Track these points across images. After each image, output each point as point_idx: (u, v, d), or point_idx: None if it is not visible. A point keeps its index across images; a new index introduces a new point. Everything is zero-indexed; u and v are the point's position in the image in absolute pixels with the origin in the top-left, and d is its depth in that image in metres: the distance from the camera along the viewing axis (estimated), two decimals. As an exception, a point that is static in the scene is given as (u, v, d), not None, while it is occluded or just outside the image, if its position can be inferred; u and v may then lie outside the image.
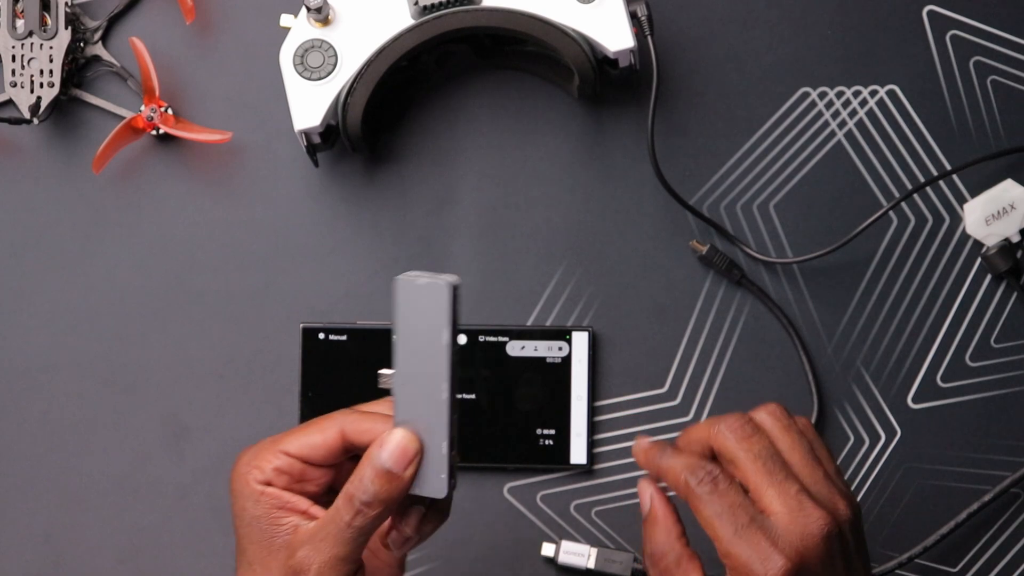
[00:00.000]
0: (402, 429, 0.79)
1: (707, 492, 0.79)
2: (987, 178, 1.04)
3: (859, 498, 1.02)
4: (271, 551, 0.80)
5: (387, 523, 0.82)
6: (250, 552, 0.81)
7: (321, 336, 1.03)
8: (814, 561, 0.77)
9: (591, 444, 1.03)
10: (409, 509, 0.81)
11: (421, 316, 0.77)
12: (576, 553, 0.99)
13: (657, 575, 0.81)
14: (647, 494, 0.82)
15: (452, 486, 0.80)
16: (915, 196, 1.04)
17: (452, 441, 0.79)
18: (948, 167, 1.04)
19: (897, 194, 1.04)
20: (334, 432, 0.81)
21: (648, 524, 0.81)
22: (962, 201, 1.04)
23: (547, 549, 1.00)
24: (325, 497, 0.83)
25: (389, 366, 1.02)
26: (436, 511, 0.82)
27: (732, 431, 0.81)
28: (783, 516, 0.78)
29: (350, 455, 0.82)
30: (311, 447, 0.81)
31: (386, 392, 0.80)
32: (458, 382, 0.78)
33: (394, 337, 0.78)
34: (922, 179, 1.04)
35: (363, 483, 0.78)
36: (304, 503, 0.81)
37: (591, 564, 0.99)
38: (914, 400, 1.03)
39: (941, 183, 1.04)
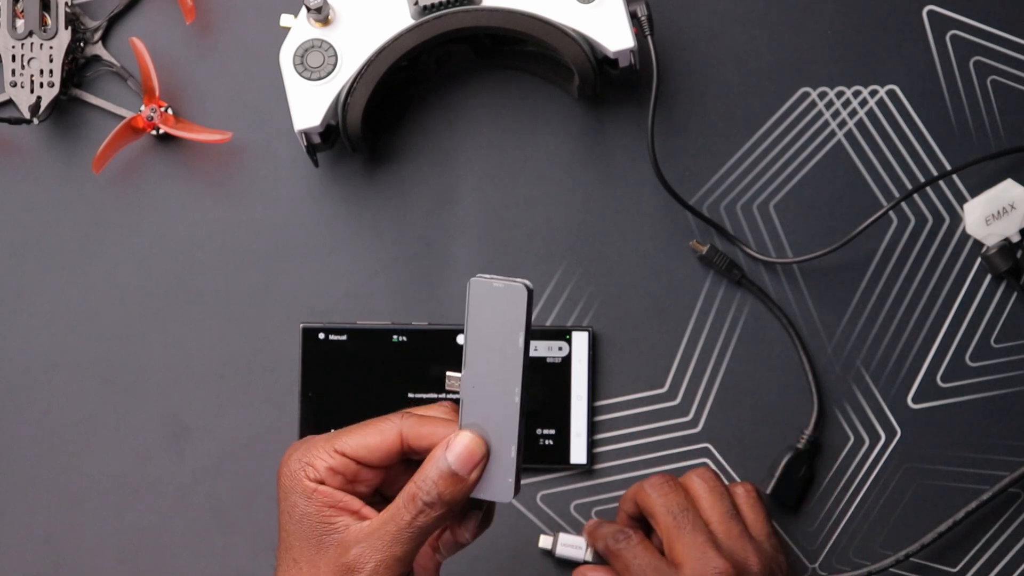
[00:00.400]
0: (470, 432, 0.79)
1: (622, 549, 0.91)
2: (987, 178, 1.04)
3: (859, 498, 1.02)
4: (320, 549, 0.80)
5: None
6: (296, 549, 0.81)
7: (321, 336, 1.03)
8: None
9: (591, 444, 1.03)
10: (469, 513, 0.81)
11: (495, 319, 0.77)
12: (573, 546, 1.00)
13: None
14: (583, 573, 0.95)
15: (517, 490, 0.80)
16: (915, 196, 1.04)
17: (520, 445, 0.78)
18: (948, 167, 1.04)
19: (897, 194, 1.04)
20: (393, 435, 0.81)
21: None
22: (962, 201, 1.04)
23: (544, 542, 1.00)
24: (373, 499, 0.83)
25: (383, 367, 1.02)
26: (484, 517, 0.83)
27: (653, 488, 0.91)
28: (687, 566, 0.88)
29: (405, 458, 0.82)
30: (368, 448, 0.81)
31: (406, 399, 0.80)
32: (528, 388, 0.78)
33: (465, 339, 0.78)
34: (922, 179, 1.04)
35: (427, 484, 0.79)
36: (356, 503, 0.81)
37: (588, 557, 0.99)
38: (914, 400, 1.03)
39: (941, 183, 1.04)
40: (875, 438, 1.03)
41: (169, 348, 1.04)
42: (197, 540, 1.03)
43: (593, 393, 1.03)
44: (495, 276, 0.77)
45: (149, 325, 1.04)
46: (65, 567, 1.03)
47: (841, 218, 1.03)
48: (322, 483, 0.81)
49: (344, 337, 1.03)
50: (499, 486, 0.79)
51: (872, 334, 1.03)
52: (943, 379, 1.03)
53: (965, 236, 1.03)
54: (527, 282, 0.77)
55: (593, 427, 1.03)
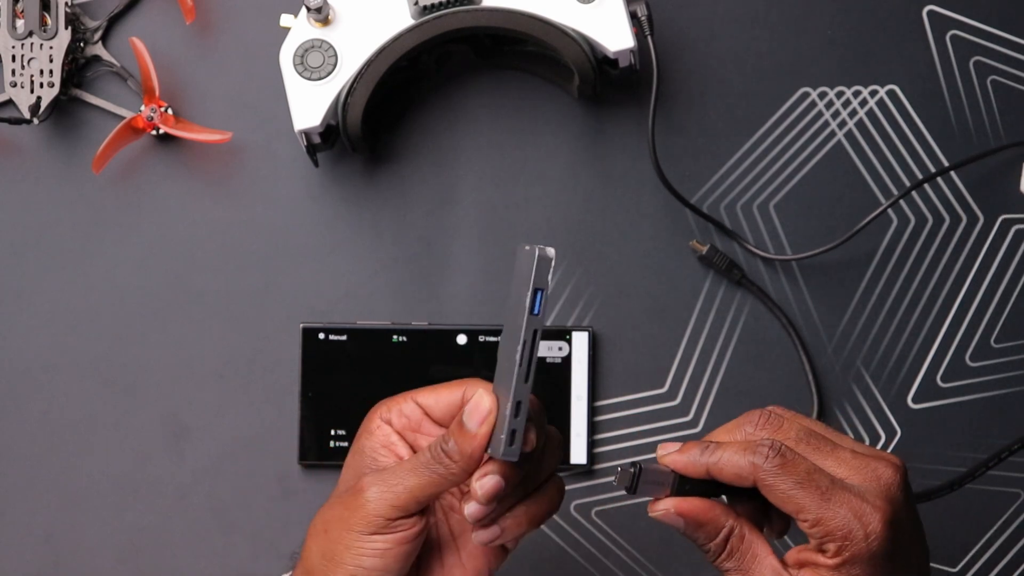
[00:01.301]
0: (482, 388, 0.81)
1: (777, 465, 0.76)
2: (986, 175, 1.04)
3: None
4: (358, 479, 0.82)
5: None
6: (344, 481, 0.84)
7: (321, 336, 1.03)
8: (900, 508, 0.77)
9: (591, 444, 1.03)
10: (487, 467, 0.81)
11: (518, 282, 0.79)
12: (657, 482, 0.81)
13: (731, 564, 0.79)
14: (671, 508, 0.79)
15: (514, 454, 0.80)
16: (915, 196, 1.04)
17: (517, 407, 0.80)
18: (947, 166, 1.04)
19: (897, 194, 1.04)
20: (458, 393, 0.83)
21: (694, 530, 0.79)
22: (961, 200, 1.04)
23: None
24: None
25: (383, 367, 1.02)
26: (537, 512, 0.83)
27: (763, 428, 0.79)
28: (854, 477, 0.77)
29: None
30: (435, 400, 0.84)
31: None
32: (536, 352, 0.79)
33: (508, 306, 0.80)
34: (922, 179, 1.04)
35: (447, 434, 0.81)
36: (404, 450, 0.83)
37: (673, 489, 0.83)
38: (914, 400, 1.03)
39: (941, 183, 1.04)
40: (875, 438, 1.03)
41: (169, 348, 1.04)
42: (197, 540, 1.03)
43: (593, 393, 1.03)
44: (539, 245, 0.79)
45: (149, 325, 1.04)
46: (65, 567, 1.03)
47: (841, 218, 1.03)
48: (389, 423, 0.83)
49: (344, 337, 1.03)
50: (495, 442, 0.80)
51: (872, 334, 1.03)
52: (943, 379, 1.03)
53: (966, 236, 1.04)
54: (548, 248, 0.79)
55: (593, 427, 1.03)
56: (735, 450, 0.78)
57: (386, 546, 0.81)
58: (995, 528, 1.02)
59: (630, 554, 1.03)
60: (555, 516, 1.03)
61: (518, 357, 0.79)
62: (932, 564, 1.02)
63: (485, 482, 0.80)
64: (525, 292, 0.79)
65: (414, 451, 0.83)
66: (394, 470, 0.81)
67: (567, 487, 1.03)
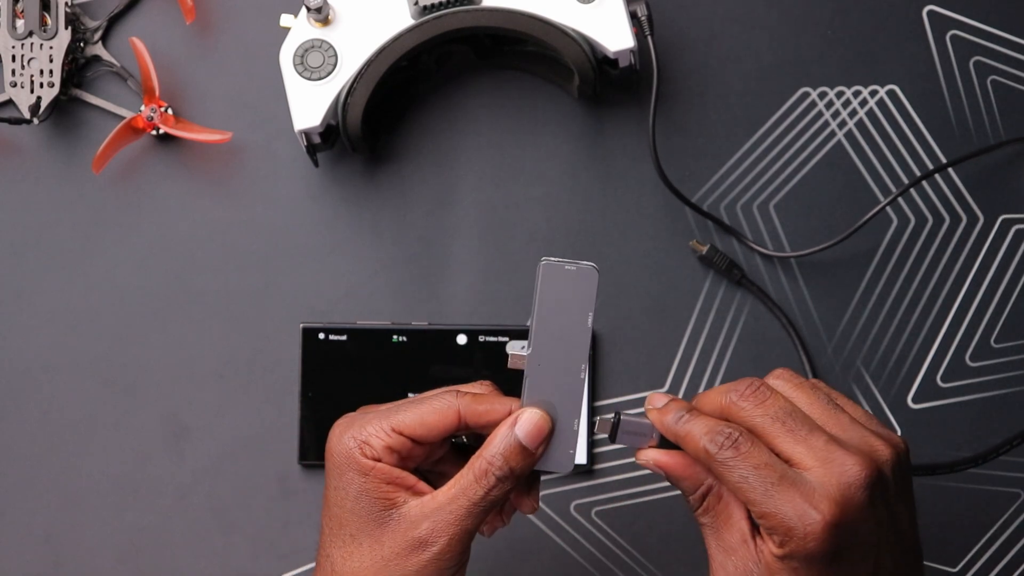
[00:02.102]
0: (538, 408, 0.81)
1: (730, 457, 0.76)
2: (986, 175, 1.04)
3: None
4: (381, 524, 0.81)
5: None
6: (354, 525, 0.82)
7: (321, 336, 1.03)
8: (854, 511, 0.75)
9: (591, 444, 1.03)
10: (532, 485, 0.83)
11: (564, 299, 0.80)
12: (638, 433, 0.83)
13: (706, 520, 0.80)
14: (650, 461, 0.81)
15: (574, 466, 0.83)
16: (915, 196, 1.04)
17: (613, 424, 0.82)
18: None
19: (895, 192, 1.04)
20: (451, 413, 0.82)
21: (676, 481, 0.80)
22: (961, 200, 1.04)
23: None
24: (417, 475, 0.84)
25: (383, 367, 1.02)
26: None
27: (745, 398, 0.78)
28: (816, 469, 0.75)
29: (459, 436, 0.84)
30: (426, 427, 0.82)
31: (438, 383, 0.81)
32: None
33: (532, 319, 0.81)
34: (923, 181, 1.04)
35: (499, 460, 0.80)
36: (412, 479, 0.82)
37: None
38: (914, 400, 1.03)
39: (941, 183, 1.04)
40: (875, 438, 1.03)
41: (169, 348, 1.04)
42: (197, 540, 1.03)
43: (593, 393, 1.03)
44: (562, 259, 0.81)
45: (149, 325, 1.04)
46: (65, 567, 1.03)
47: (841, 218, 1.03)
48: (379, 461, 0.82)
49: (344, 337, 1.03)
50: (561, 458, 0.82)
51: (872, 334, 1.03)
52: (943, 379, 1.03)
53: (966, 235, 1.04)
54: (595, 265, 0.81)
55: (593, 427, 1.03)
56: (700, 428, 0.78)
57: None
58: (995, 528, 1.02)
59: (630, 554, 1.03)
60: (555, 516, 1.03)
61: (584, 376, 0.81)
62: (932, 564, 1.02)
63: (534, 496, 0.83)
64: (586, 313, 0.80)
65: (417, 466, 0.83)
66: (445, 516, 0.81)
67: (567, 487, 1.03)
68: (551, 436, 0.82)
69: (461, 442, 0.86)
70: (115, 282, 1.05)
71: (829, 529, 0.74)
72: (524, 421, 0.81)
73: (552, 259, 0.81)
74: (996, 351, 1.03)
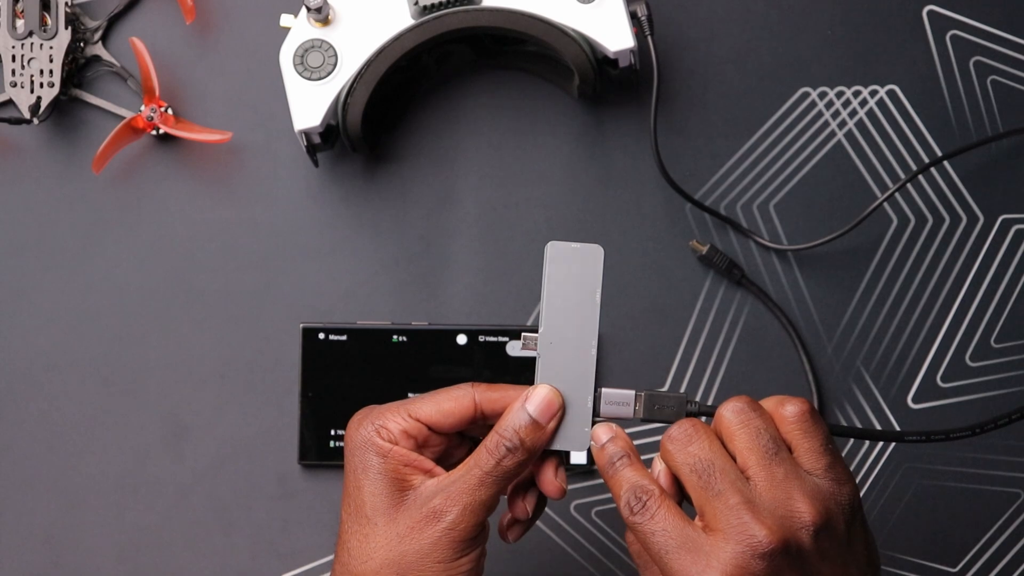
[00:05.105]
0: (546, 385, 0.83)
1: (638, 520, 0.77)
2: (986, 175, 1.04)
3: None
4: (397, 504, 0.82)
5: (506, 516, 0.85)
6: (371, 505, 0.82)
7: (321, 336, 1.03)
8: None
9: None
10: (547, 463, 0.84)
11: (572, 278, 0.82)
12: (619, 403, 0.83)
13: (635, 550, 0.81)
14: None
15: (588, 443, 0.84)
16: (915, 196, 1.04)
17: (595, 397, 0.83)
18: (948, 166, 1.04)
19: (898, 195, 1.04)
20: (467, 400, 0.84)
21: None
22: (961, 200, 1.04)
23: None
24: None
25: (383, 367, 1.02)
26: (543, 499, 0.85)
27: (673, 441, 0.78)
28: (719, 533, 0.76)
29: (476, 424, 0.85)
30: (443, 413, 0.84)
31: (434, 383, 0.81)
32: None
33: (542, 299, 0.83)
34: (923, 180, 1.04)
35: (509, 432, 0.81)
36: (429, 463, 0.83)
37: (640, 412, 0.84)
38: (914, 400, 1.03)
39: (941, 183, 1.04)
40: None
41: (169, 348, 1.04)
42: (197, 540, 1.03)
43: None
44: (568, 242, 0.83)
45: (149, 325, 1.04)
46: (65, 567, 1.03)
47: (841, 218, 1.03)
48: (396, 444, 0.83)
49: (344, 337, 1.03)
50: (576, 436, 0.83)
51: (872, 334, 1.03)
52: (943, 379, 1.03)
53: (966, 235, 1.04)
54: (595, 246, 0.83)
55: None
56: (624, 482, 0.79)
57: (471, 564, 0.82)
58: (995, 528, 1.02)
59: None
60: (555, 516, 1.03)
61: (594, 353, 0.82)
62: (932, 564, 1.02)
63: (550, 472, 0.83)
64: (594, 290, 0.82)
65: (435, 462, 0.84)
66: (458, 487, 0.81)
67: (568, 487, 1.03)
68: (563, 413, 0.82)
69: (479, 440, 0.86)
70: (115, 282, 1.05)
71: None
72: (534, 396, 0.82)
73: (556, 242, 0.83)
74: (996, 351, 1.03)
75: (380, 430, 0.83)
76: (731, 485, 0.76)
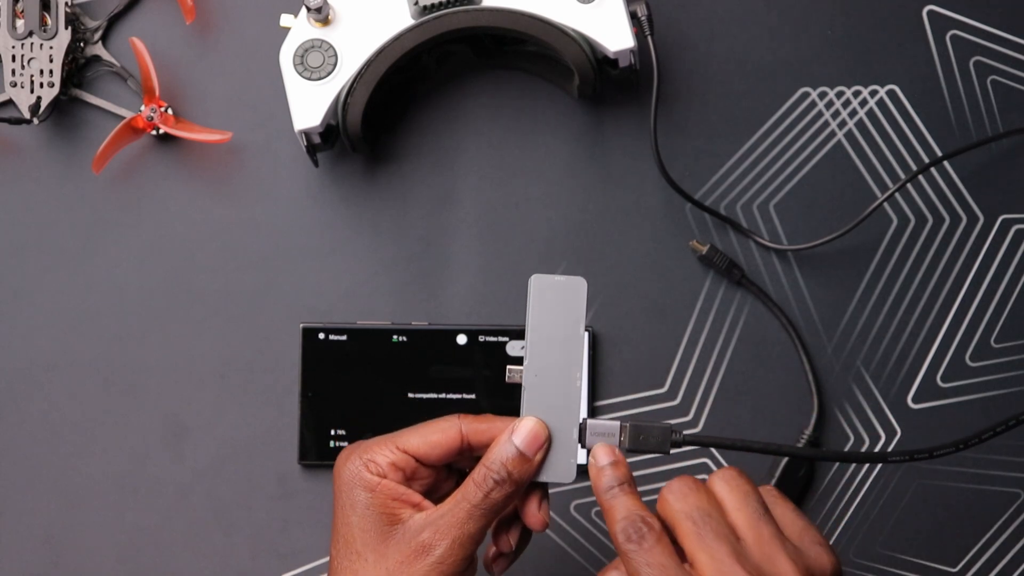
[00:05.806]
0: (532, 417, 0.84)
1: (632, 549, 0.79)
2: (986, 175, 1.04)
3: (859, 498, 1.02)
4: (386, 538, 0.83)
5: (491, 549, 0.86)
6: (359, 541, 0.83)
7: (321, 336, 1.03)
8: None
9: (591, 444, 1.03)
10: (530, 496, 0.85)
11: (556, 311, 0.83)
12: (605, 434, 0.85)
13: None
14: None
15: (577, 472, 0.85)
16: (915, 196, 1.04)
17: (580, 428, 0.84)
18: (948, 167, 1.04)
19: (898, 195, 1.04)
20: (454, 432, 0.85)
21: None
22: (961, 200, 1.04)
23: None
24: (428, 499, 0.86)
25: (383, 367, 1.02)
26: (527, 532, 0.87)
27: (671, 492, 0.81)
28: None
29: (463, 456, 0.86)
30: (430, 445, 0.85)
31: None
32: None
33: (527, 332, 0.83)
34: (923, 180, 1.04)
35: (496, 464, 0.83)
36: (417, 497, 0.84)
37: (625, 442, 0.85)
38: (914, 400, 1.03)
39: (941, 183, 1.04)
40: (875, 438, 1.03)
41: (169, 348, 1.04)
42: (197, 540, 1.03)
43: (593, 393, 1.03)
44: (551, 275, 0.84)
45: (149, 325, 1.04)
46: (65, 567, 1.03)
47: (841, 218, 1.03)
48: (384, 477, 0.84)
49: (344, 337, 1.03)
50: (562, 467, 0.84)
51: (872, 334, 1.03)
52: (943, 379, 1.03)
53: (966, 235, 1.04)
54: (578, 278, 0.84)
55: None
56: (621, 510, 0.81)
57: None
58: (995, 528, 1.02)
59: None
60: (555, 516, 1.03)
61: (579, 384, 0.83)
62: (932, 564, 1.02)
63: (534, 506, 0.85)
64: (578, 322, 0.83)
65: (423, 495, 0.84)
66: (447, 521, 0.82)
67: (567, 487, 1.03)
68: (549, 444, 0.83)
69: (467, 473, 0.87)
70: (115, 282, 1.05)
71: None
72: (521, 429, 0.83)
73: (538, 275, 0.84)
74: (996, 351, 1.03)
75: (368, 464, 0.84)
76: (724, 537, 0.79)
